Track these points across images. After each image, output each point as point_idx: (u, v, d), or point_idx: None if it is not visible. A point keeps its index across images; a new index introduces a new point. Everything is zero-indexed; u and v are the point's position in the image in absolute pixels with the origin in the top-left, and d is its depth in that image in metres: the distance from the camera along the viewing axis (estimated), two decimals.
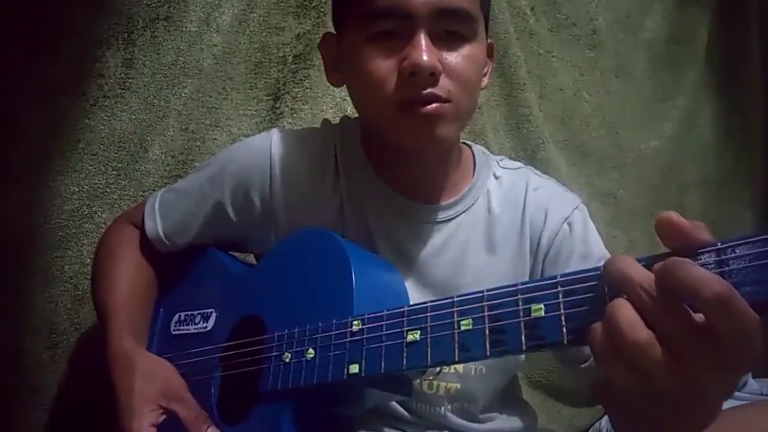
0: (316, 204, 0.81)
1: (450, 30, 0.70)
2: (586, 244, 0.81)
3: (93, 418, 0.89)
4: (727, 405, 0.78)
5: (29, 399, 1.02)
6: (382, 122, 0.73)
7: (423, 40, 0.68)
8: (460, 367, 0.79)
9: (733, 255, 0.42)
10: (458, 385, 0.79)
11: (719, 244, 0.42)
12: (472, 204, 0.82)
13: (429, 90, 0.68)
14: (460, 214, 0.81)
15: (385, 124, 0.72)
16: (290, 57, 1.20)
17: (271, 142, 0.82)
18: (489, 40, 0.80)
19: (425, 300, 0.77)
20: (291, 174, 0.81)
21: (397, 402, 0.80)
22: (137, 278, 0.86)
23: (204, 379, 0.76)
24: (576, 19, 1.46)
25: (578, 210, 0.84)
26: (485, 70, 0.81)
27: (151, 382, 0.73)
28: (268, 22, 1.20)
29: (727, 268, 0.41)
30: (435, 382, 0.79)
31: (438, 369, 0.78)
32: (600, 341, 0.43)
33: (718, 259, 0.42)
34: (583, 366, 0.79)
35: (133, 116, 1.11)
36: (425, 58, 0.67)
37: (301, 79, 1.20)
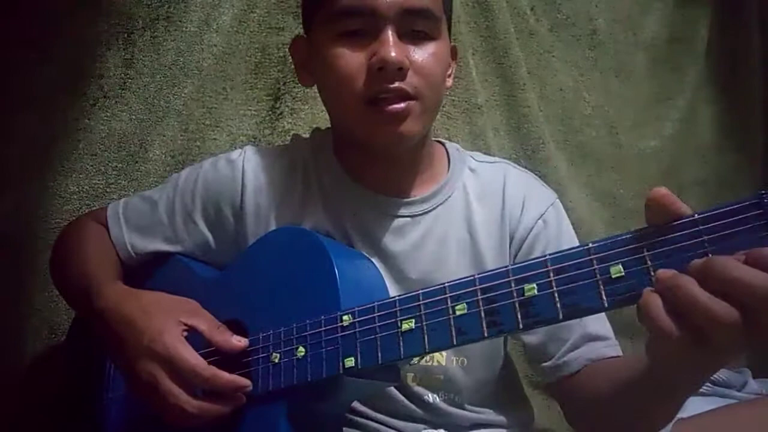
0: (287, 215, 0.82)
1: (416, 29, 0.72)
2: (559, 240, 0.82)
3: (93, 417, 0.89)
4: (726, 403, 0.79)
5: (29, 399, 1.02)
6: (350, 118, 0.75)
7: (390, 36, 0.70)
8: (442, 359, 0.80)
9: (707, 225, 0.45)
10: (441, 377, 0.80)
11: (696, 215, 0.45)
12: (448, 197, 0.82)
13: (397, 84, 0.70)
14: (437, 206, 0.82)
15: (354, 120, 0.74)
16: (290, 57, 1.20)
17: (244, 157, 0.84)
18: (452, 43, 0.82)
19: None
20: (262, 187, 0.82)
21: (396, 389, 0.80)
22: (108, 255, 0.84)
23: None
24: (576, 19, 1.46)
25: (553, 207, 0.84)
26: (449, 71, 0.83)
27: (164, 302, 0.72)
28: (268, 22, 1.20)
29: (706, 237, 0.45)
30: (419, 376, 0.80)
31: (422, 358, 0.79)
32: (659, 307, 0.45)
33: (696, 229, 0.45)
34: (545, 365, 0.79)
35: (133, 116, 1.11)
36: (393, 53, 0.69)
37: None
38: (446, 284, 0.57)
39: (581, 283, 0.49)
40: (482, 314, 0.54)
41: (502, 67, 1.34)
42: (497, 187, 0.84)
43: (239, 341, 0.69)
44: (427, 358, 0.79)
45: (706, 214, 0.45)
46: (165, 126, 1.13)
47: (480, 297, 0.55)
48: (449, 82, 0.82)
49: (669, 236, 0.46)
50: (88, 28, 1.10)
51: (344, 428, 0.78)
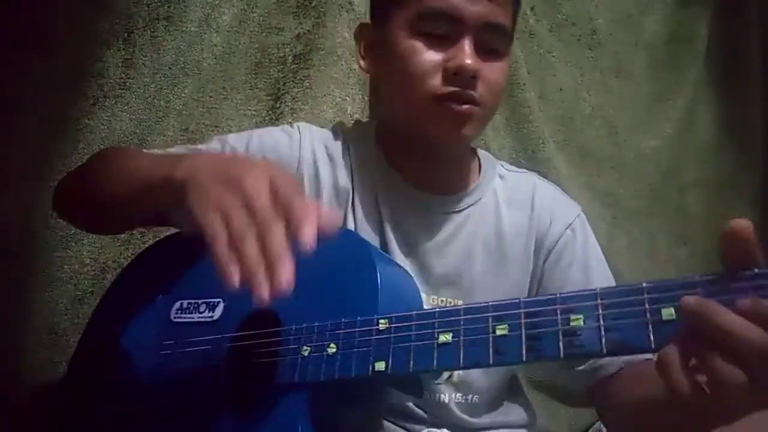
0: (331, 194, 0.84)
1: (491, 46, 0.78)
2: (585, 252, 0.86)
3: (93, 418, 0.89)
4: None
5: (29, 399, 1.02)
6: (416, 113, 0.78)
7: (468, 46, 0.75)
8: None
9: None
10: (461, 372, 0.81)
11: (756, 270, 0.44)
12: (480, 198, 0.86)
13: (469, 92, 0.75)
14: (469, 206, 0.85)
15: (419, 115, 0.78)
16: (290, 57, 1.20)
17: (300, 130, 0.87)
18: None
19: (430, 288, 0.78)
20: (317, 160, 0.85)
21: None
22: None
23: (211, 368, 0.76)
24: (576, 19, 1.46)
25: (579, 218, 0.88)
26: None
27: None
28: (268, 22, 1.20)
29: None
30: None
31: (449, 373, 0.80)
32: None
33: (757, 283, 0.44)
34: (579, 369, 0.80)
35: (133, 116, 1.11)
36: (470, 61, 0.74)
37: (301, 79, 1.20)
38: (490, 303, 0.57)
39: (630, 321, 0.49)
40: (523, 338, 0.54)
41: None
42: (526, 195, 0.88)
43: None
44: None
45: None
46: (165, 126, 1.13)
47: (524, 320, 0.54)
48: None
49: (727, 286, 0.45)
50: (88, 28, 1.09)
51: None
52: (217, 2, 1.17)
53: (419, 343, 0.59)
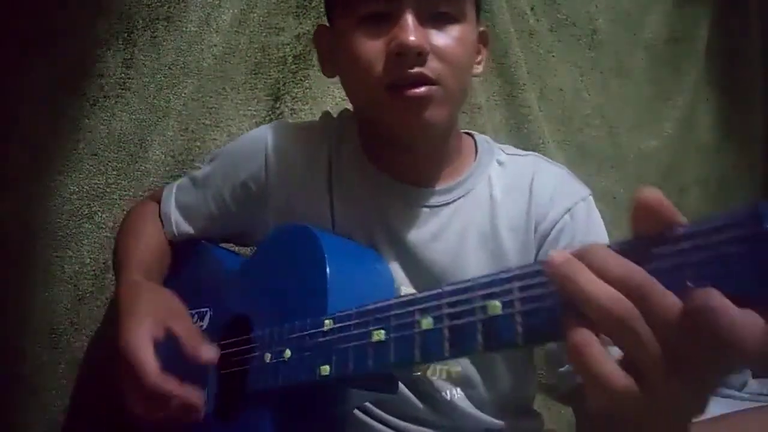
0: (309, 194, 0.82)
1: (438, 11, 0.70)
2: (586, 238, 0.77)
3: (93, 417, 0.89)
4: (726, 403, 0.79)
5: (29, 399, 1.02)
6: (372, 106, 0.73)
7: (409, 20, 0.68)
8: None
9: (694, 241, 0.37)
10: (459, 369, 0.78)
11: (681, 228, 0.39)
12: (471, 189, 0.80)
13: (417, 70, 0.68)
14: (458, 198, 0.80)
15: (376, 107, 0.72)
16: (290, 57, 1.20)
17: (268, 134, 0.84)
18: (482, 28, 0.81)
19: (421, 288, 0.76)
20: (285, 165, 0.83)
21: (407, 388, 0.77)
22: (147, 243, 0.88)
23: (199, 377, 0.76)
24: (576, 19, 1.46)
25: (583, 201, 0.81)
26: (479, 57, 0.81)
27: (154, 302, 0.74)
28: (268, 22, 1.20)
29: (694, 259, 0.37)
30: (437, 367, 0.78)
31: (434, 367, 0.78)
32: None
33: (680, 247, 0.38)
34: (561, 370, 0.76)
35: (133, 116, 1.11)
36: (411, 38, 0.66)
37: (301, 79, 1.20)
38: (417, 295, 0.52)
39: (547, 303, 0.42)
40: (445, 331, 0.48)
41: (502, 67, 1.34)
42: (525, 182, 0.80)
43: (207, 353, 0.68)
44: None
45: (693, 228, 0.37)
46: (165, 126, 1.13)
47: (445, 311, 0.48)
48: (478, 69, 0.81)
49: (649, 252, 0.39)
50: (88, 28, 1.09)
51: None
52: (217, 2, 1.17)
53: (356, 343, 0.55)
